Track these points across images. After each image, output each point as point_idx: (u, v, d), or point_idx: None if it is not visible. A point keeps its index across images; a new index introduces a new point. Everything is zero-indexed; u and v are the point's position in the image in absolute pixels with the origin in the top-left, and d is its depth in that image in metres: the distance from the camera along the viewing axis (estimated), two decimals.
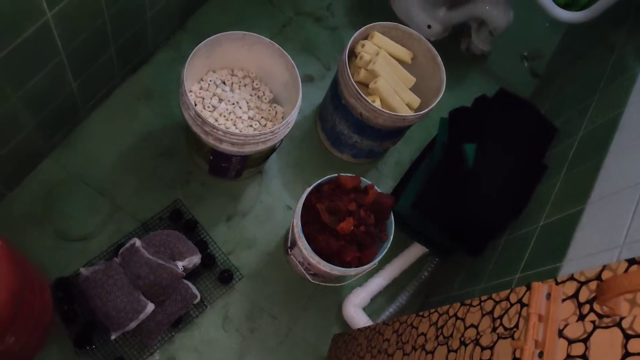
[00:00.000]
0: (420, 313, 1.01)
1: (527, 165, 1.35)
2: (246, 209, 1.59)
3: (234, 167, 1.48)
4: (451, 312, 0.89)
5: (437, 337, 0.91)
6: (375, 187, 1.38)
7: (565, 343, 0.62)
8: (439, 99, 1.44)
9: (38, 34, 1.07)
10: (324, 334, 1.52)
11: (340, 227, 1.30)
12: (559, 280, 0.68)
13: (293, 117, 1.34)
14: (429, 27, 1.90)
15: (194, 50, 1.31)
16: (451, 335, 0.86)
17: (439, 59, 1.49)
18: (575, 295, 0.64)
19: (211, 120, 1.40)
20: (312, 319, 1.53)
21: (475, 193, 1.33)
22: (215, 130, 1.27)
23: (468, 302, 0.86)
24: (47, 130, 1.39)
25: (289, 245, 1.45)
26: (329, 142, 1.69)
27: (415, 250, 1.61)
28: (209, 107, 1.43)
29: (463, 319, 0.85)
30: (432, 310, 0.97)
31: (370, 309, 1.56)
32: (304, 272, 1.44)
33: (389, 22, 1.49)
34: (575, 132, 1.34)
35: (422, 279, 1.60)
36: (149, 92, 1.63)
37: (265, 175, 1.65)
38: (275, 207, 1.62)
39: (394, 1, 1.96)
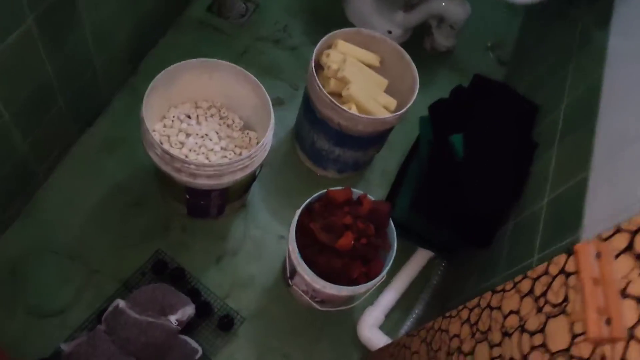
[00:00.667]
0: (447, 314, 0.91)
1: (517, 146, 1.29)
2: (235, 246, 1.48)
3: (214, 204, 1.37)
4: (483, 304, 0.80)
5: (473, 334, 0.81)
6: (369, 195, 1.29)
7: (633, 302, 0.53)
8: (415, 94, 1.38)
9: None
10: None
11: (340, 244, 1.20)
12: (604, 237, 0.59)
13: (269, 138, 1.26)
14: (390, 32, 1.87)
15: (150, 86, 1.22)
16: (489, 329, 0.76)
17: (407, 56, 1.44)
18: (630, 247, 0.55)
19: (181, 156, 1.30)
20: (327, 350, 1.40)
21: (470, 183, 1.25)
22: (187, 165, 1.17)
23: (500, 288, 0.77)
24: (1, 201, 1.27)
25: (288, 275, 1.34)
26: (311, 162, 1.61)
27: (421, 256, 1.51)
28: (176, 144, 1.33)
29: (499, 308, 0.76)
30: (460, 308, 0.87)
31: (386, 327, 1.44)
32: (310, 301, 1.33)
33: (350, 28, 1.44)
34: (558, 104, 1.29)
35: (434, 285, 1.50)
36: (110, 143, 1.53)
37: (250, 208, 1.54)
38: (267, 239, 1.51)
39: (350, 12, 1.93)
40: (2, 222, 1.33)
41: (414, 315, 1.46)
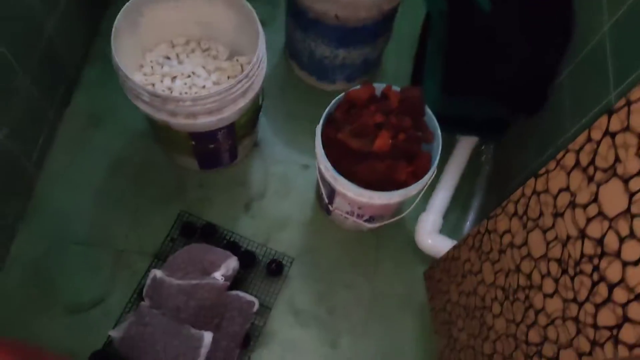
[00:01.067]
0: (492, 214, 0.86)
1: None
2: (260, 189, 1.33)
3: (224, 147, 1.21)
4: (528, 192, 0.75)
5: (524, 225, 0.76)
6: (393, 87, 1.12)
7: None
8: None
9: None
10: (411, 278, 1.27)
11: (377, 146, 1.04)
12: None
13: (262, 51, 1.08)
14: None
15: (114, 28, 1.04)
16: (540, 215, 0.71)
17: None
18: None
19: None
20: (390, 269, 1.28)
21: (507, 35, 1.07)
22: (182, 104, 1.01)
23: (542, 171, 0.71)
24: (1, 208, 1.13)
25: (327, 201, 1.20)
26: (315, 78, 1.43)
27: (466, 145, 1.35)
28: (163, 91, 1.16)
29: (546, 190, 0.69)
30: (503, 204, 0.81)
31: (446, 229, 1.31)
32: (357, 220, 1.19)
33: None
34: None
35: (487, 172, 1.35)
36: (95, 117, 1.37)
37: (263, 145, 1.39)
38: (290, 172, 1.36)
39: None
40: (9, 227, 1.19)
41: (473, 210, 1.32)
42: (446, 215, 1.31)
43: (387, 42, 1.38)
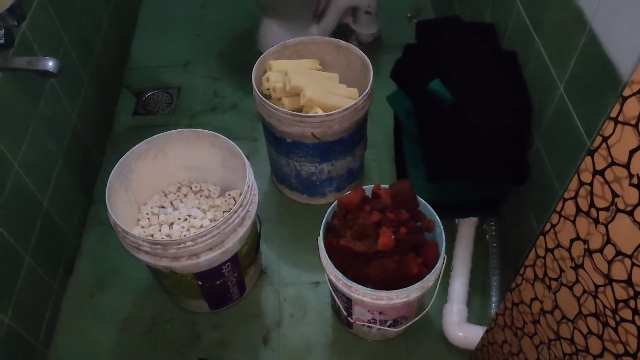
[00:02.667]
0: (512, 286, 0.84)
1: (498, 63, 1.19)
2: (275, 317, 1.29)
3: (231, 281, 1.20)
4: (541, 252, 0.74)
5: (549, 287, 0.73)
6: (382, 185, 1.15)
7: None
8: (370, 69, 1.29)
9: None
10: None
11: (382, 243, 1.04)
12: None
13: (250, 177, 1.12)
14: None
15: (107, 186, 1.08)
16: (561, 272, 0.69)
17: (343, 42, 1.37)
18: None
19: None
20: None
21: (476, 115, 1.13)
22: (184, 245, 1.01)
23: (547, 227, 0.70)
24: None
25: (345, 314, 1.16)
26: (306, 195, 1.47)
27: (467, 227, 1.35)
28: (162, 238, 1.18)
29: (559, 245, 0.69)
30: (521, 272, 0.80)
31: (474, 317, 1.25)
32: (382, 327, 1.14)
33: (275, 45, 1.36)
34: (511, 7, 1.21)
35: (496, 248, 1.33)
36: (99, 281, 1.36)
37: (270, 272, 1.37)
38: (303, 293, 1.33)
39: (265, 47, 1.86)
40: None
41: (494, 290, 1.28)
42: (469, 302, 1.26)
43: (365, 149, 1.45)
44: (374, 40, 1.90)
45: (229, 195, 1.27)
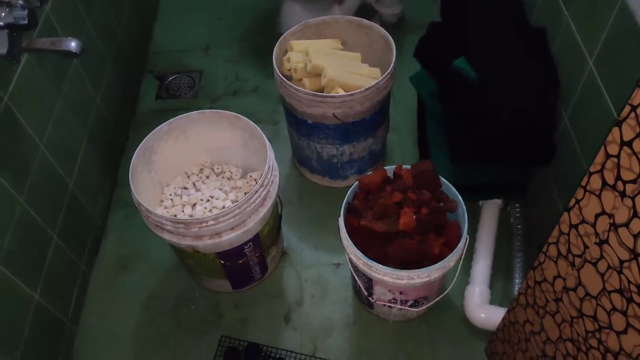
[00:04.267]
0: (535, 264, 0.82)
1: (526, 40, 1.16)
2: (297, 297, 1.30)
3: (252, 260, 1.21)
4: (564, 229, 0.72)
5: (572, 264, 0.71)
6: (404, 165, 1.14)
7: None
8: (393, 48, 1.27)
9: None
10: (471, 357, 1.18)
11: (403, 224, 1.03)
12: None
13: (271, 158, 1.12)
14: None
15: (131, 167, 1.10)
16: (585, 248, 0.67)
17: (366, 21, 1.35)
18: None
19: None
20: (448, 354, 1.20)
21: (501, 95, 1.11)
22: (206, 224, 1.02)
23: (572, 203, 0.68)
24: None
25: (366, 294, 1.16)
26: (328, 177, 1.46)
27: (491, 209, 1.33)
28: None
29: (583, 221, 0.68)
30: (544, 249, 0.78)
31: (495, 299, 1.24)
32: (402, 307, 1.14)
33: (297, 25, 1.35)
34: None
35: (520, 230, 1.31)
36: (124, 261, 1.39)
37: (291, 253, 1.38)
38: (324, 274, 1.33)
39: (283, 29, 1.85)
40: None
41: (517, 273, 1.27)
42: (492, 284, 1.25)
43: (387, 130, 1.43)
44: (398, 20, 1.86)
45: (251, 177, 1.28)
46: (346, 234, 1.07)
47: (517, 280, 1.24)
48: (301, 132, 1.35)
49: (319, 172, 1.46)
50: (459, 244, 1.05)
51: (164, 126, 1.18)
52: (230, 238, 1.07)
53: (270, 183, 1.10)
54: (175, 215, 1.20)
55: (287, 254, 1.38)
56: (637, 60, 0.82)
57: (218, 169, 1.30)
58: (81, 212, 1.32)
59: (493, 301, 1.23)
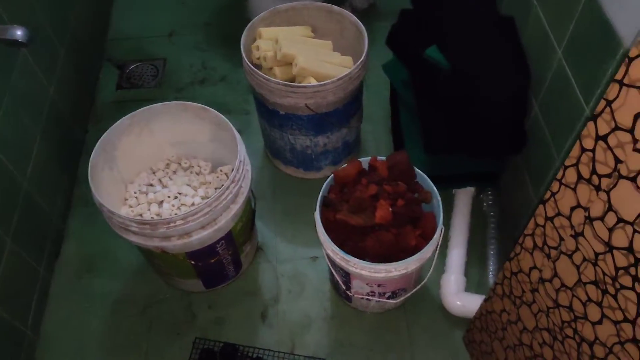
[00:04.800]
0: (511, 255, 0.82)
1: (495, 29, 1.14)
2: (273, 293, 1.27)
3: (226, 259, 1.17)
4: (540, 221, 0.71)
5: (547, 256, 0.71)
6: (379, 157, 1.11)
7: None
8: (365, 36, 1.23)
9: None
10: (450, 347, 1.18)
11: (379, 217, 1.01)
12: None
13: (242, 152, 1.07)
14: None
15: (90, 165, 1.03)
16: (560, 240, 0.67)
17: (336, 8, 1.30)
18: None
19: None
20: (427, 343, 1.19)
21: (470, 84, 1.08)
22: (174, 224, 0.97)
23: (547, 195, 0.68)
24: None
25: (344, 287, 1.13)
26: (302, 169, 1.42)
27: (464, 196, 1.32)
28: (152, 218, 1.13)
29: (559, 214, 0.67)
30: (520, 241, 0.78)
31: (472, 286, 1.24)
32: (380, 300, 1.12)
33: (265, 11, 1.29)
34: None
35: (493, 218, 1.31)
36: (88, 264, 1.32)
37: (266, 248, 1.34)
38: (300, 268, 1.30)
39: (252, 14, 1.78)
40: None
41: (492, 260, 1.26)
42: (467, 272, 1.24)
43: (361, 120, 1.40)
44: (369, 7, 1.82)
45: (221, 171, 1.22)
46: (322, 229, 1.04)
47: (491, 267, 1.24)
48: (273, 123, 1.30)
49: (293, 163, 1.42)
50: (435, 235, 1.03)
51: (125, 120, 1.11)
52: (200, 237, 1.02)
53: (242, 178, 1.05)
54: (141, 215, 1.14)
55: (261, 250, 1.34)
56: (604, 50, 0.81)
57: (186, 163, 1.24)
58: (38, 213, 1.24)
59: (469, 288, 1.22)
